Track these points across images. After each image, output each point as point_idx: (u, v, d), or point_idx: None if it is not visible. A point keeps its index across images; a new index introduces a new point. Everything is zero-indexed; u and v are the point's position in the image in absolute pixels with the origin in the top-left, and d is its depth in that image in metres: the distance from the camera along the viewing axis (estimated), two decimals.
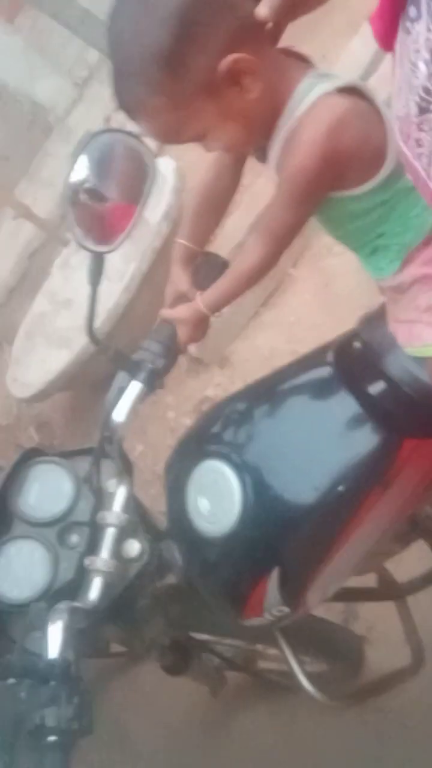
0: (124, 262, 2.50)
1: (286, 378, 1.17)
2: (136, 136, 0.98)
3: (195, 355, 2.56)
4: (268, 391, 1.16)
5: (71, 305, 2.93)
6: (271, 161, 0.97)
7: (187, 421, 2.53)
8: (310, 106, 0.91)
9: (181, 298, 1.08)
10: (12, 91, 3.37)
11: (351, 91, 0.92)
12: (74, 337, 2.56)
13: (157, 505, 1.23)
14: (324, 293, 2.50)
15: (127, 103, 0.91)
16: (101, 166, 1.01)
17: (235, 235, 2.62)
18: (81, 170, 1.03)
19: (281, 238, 0.97)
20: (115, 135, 1.02)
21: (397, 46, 0.86)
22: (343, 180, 0.94)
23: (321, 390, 1.14)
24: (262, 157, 0.98)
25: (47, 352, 2.86)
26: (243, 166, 1.10)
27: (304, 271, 2.60)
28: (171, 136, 0.95)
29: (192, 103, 0.89)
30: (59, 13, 1.88)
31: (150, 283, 2.50)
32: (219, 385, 2.57)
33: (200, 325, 1.07)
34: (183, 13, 0.84)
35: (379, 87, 0.96)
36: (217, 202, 1.11)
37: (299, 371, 1.17)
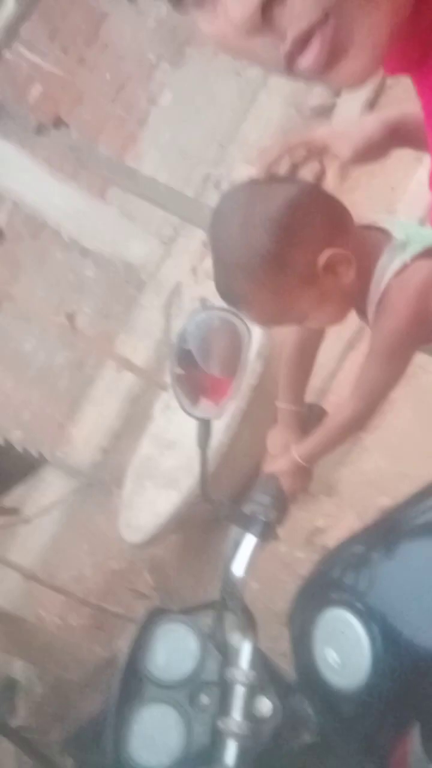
0: None
1: (405, 514, 1.16)
2: (231, 311, 1.06)
3: None
4: (388, 530, 1.14)
5: (175, 446, 3.02)
6: (371, 322, 1.04)
7: (300, 554, 2.49)
8: (391, 278, 1.00)
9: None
10: (107, 256, 3.70)
11: (429, 253, 0.99)
12: (182, 477, 2.63)
13: (278, 646, 1.21)
14: (425, 411, 2.48)
15: (232, 296, 1.01)
16: (202, 337, 1.10)
17: (327, 363, 2.69)
18: (183, 342, 1.12)
19: (376, 394, 1.02)
20: (212, 312, 1.11)
21: None
22: None
23: None
24: (363, 316, 1.06)
25: (156, 494, 2.93)
26: None
27: (401, 392, 2.60)
28: (273, 321, 1.05)
29: (293, 293, 0.98)
30: (146, 193, 2.09)
31: (249, 420, 2.57)
32: (329, 514, 2.54)
33: (301, 476, 1.10)
34: (283, 219, 0.94)
35: None
36: (307, 360, 1.18)
37: (420, 505, 1.16)
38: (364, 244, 1.01)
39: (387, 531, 1.12)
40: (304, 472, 1.10)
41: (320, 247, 0.95)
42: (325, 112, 3.53)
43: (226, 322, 1.05)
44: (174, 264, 3.66)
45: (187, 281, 3.59)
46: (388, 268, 1.00)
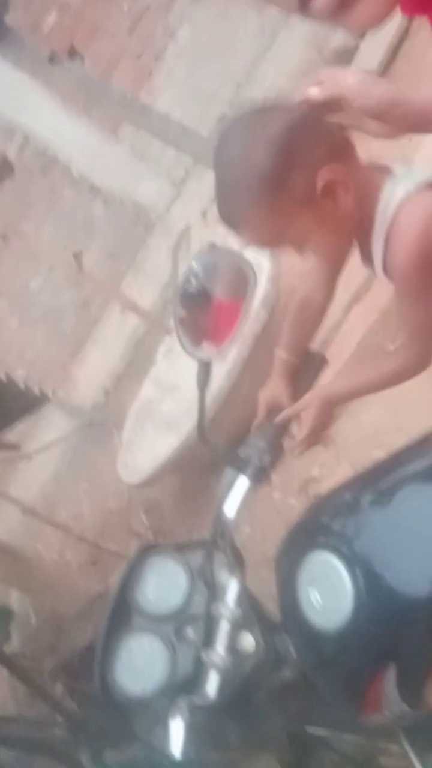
0: None
1: (396, 465, 1.18)
2: (237, 254, 1.06)
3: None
4: (377, 480, 1.16)
5: (177, 390, 3.03)
6: (377, 265, 1.03)
7: (293, 502, 2.53)
8: (398, 206, 1.00)
9: (277, 408, 1.13)
10: (117, 195, 3.65)
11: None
12: (181, 421, 2.65)
13: (267, 589, 1.24)
14: None
15: (231, 216, 1.03)
16: (206, 279, 1.09)
17: (332, 315, 2.68)
18: (188, 283, 1.12)
19: (421, 333, 1.02)
20: (217, 253, 1.10)
21: None
22: None
23: None
24: (368, 261, 1.05)
25: (155, 436, 2.96)
26: (337, 279, 1.16)
27: None
28: (270, 243, 1.06)
29: (291, 214, 1.00)
30: (159, 130, 2.05)
31: (251, 368, 2.57)
32: (324, 464, 2.56)
33: (323, 414, 1.10)
34: (283, 141, 0.97)
35: None
36: (313, 313, 1.18)
37: (410, 457, 1.18)
38: (366, 176, 1.03)
39: (376, 480, 1.14)
40: (327, 411, 1.10)
41: (319, 170, 0.98)
42: (346, 54, 3.42)
43: (233, 265, 1.04)
44: (184, 206, 3.60)
45: (196, 225, 3.54)
46: (391, 199, 1.00)
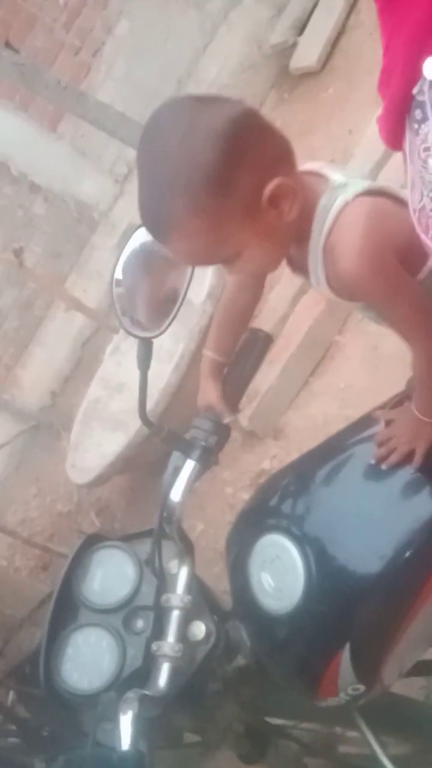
0: (173, 343, 2.56)
1: (340, 444, 1.17)
2: None
3: (248, 429, 2.57)
4: (322, 459, 1.15)
5: (124, 389, 2.99)
6: (316, 278, 0.99)
7: (246, 496, 2.51)
8: (335, 216, 0.93)
9: (210, 408, 1.10)
10: (58, 193, 3.57)
11: (370, 192, 0.95)
12: (129, 420, 2.61)
13: (221, 584, 1.21)
14: (372, 357, 2.49)
15: (161, 221, 0.89)
16: (144, 257, 1.06)
17: (278, 307, 2.68)
18: (125, 262, 1.08)
19: (416, 326, 0.96)
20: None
21: (406, 145, 0.91)
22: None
23: None
24: (300, 271, 1.01)
25: (103, 436, 2.91)
26: (265, 279, 1.13)
27: (350, 337, 2.61)
28: (203, 258, 0.93)
29: (232, 222, 0.88)
30: (98, 119, 2.00)
31: (198, 362, 2.54)
32: (275, 457, 2.56)
33: (424, 430, 1.02)
34: (231, 135, 0.84)
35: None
36: (240, 313, 1.14)
37: (353, 437, 1.17)
38: (303, 184, 0.93)
39: (321, 459, 1.13)
40: (425, 426, 1.01)
41: (267, 173, 0.87)
42: (286, 51, 3.44)
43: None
44: (127, 203, 3.55)
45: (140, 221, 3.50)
46: (330, 208, 0.92)
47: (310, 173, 0.98)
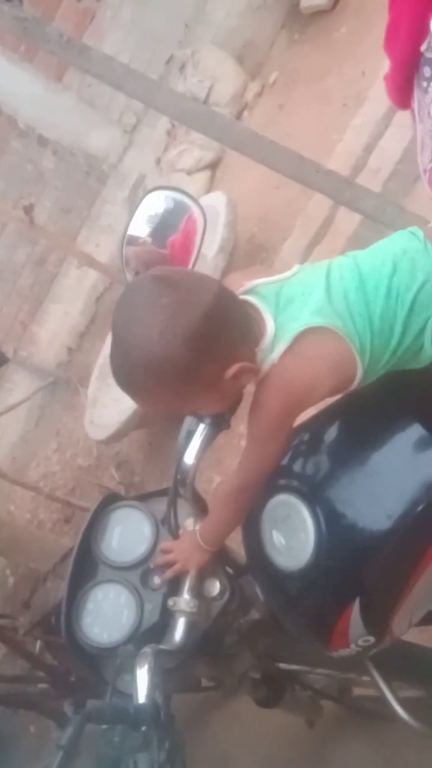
0: None
1: (352, 404, 1.18)
2: (184, 192, 1.02)
3: None
4: (334, 419, 1.16)
5: None
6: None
7: None
8: (265, 372, 1.03)
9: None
10: (67, 146, 3.53)
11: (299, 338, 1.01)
12: None
13: (237, 537, 1.25)
14: None
15: (128, 386, 1.01)
16: (156, 217, 1.06)
17: (292, 258, 2.65)
18: (137, 223, 1.09)
19: (253, 468, 1.08)
20: (165, 192, 1.06)
21: (415, 103, 0.89)
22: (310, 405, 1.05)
23: (389, 413, 1.13)
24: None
25: (120, 392, 2.93)
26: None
27: None
28: (164, 413, 1.09)
29: (193, 395, 1.01)
30: (102, 73, 1.96)
31: None
32: None
33: (203, 556, 1.13)
34: (202, 332, 0.94)
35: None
36: None
37: (366, 396, 1.18)
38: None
39: (333, 419, 1.14)
40: (203, 553, 1.13)
41: (231, 359, 0.98)
42: None
43: (179, 204, 1.01)
44: (137, 155, 3.50)
45: (151, 173, 3.45)
46: (265, 361, 1.02)
47: (245, 302, 1.04)
